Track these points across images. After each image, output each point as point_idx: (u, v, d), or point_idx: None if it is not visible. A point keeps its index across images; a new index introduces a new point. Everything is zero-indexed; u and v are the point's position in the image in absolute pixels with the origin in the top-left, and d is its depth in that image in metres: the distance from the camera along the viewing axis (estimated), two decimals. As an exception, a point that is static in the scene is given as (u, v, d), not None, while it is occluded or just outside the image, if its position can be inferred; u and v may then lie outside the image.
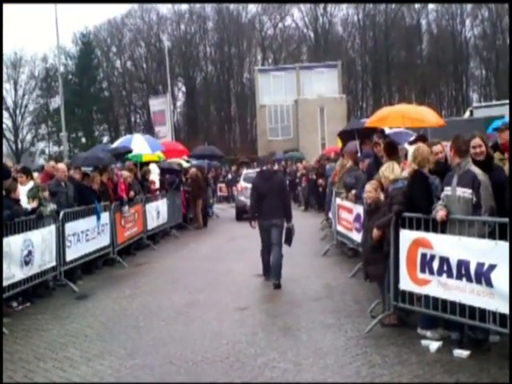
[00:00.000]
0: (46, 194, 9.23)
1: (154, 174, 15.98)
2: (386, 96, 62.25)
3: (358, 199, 10.00)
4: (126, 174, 13.24)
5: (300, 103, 45.44)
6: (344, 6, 61.97)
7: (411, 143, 8.98)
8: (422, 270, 6.04)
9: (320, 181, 20.02)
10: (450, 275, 5.70)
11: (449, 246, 5.74)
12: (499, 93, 50.91)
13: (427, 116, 10.33)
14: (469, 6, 60.26)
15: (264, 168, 10.53)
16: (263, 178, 9.80)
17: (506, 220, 5.20)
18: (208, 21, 64.59)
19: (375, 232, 6.66)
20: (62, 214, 9.44)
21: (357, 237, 9.99)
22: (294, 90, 47.64)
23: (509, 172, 6.01)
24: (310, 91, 46.61)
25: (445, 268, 5.76)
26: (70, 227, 9.79)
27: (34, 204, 8.70)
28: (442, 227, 5.85)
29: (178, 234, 16.46)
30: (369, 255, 6.99)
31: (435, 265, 5.87)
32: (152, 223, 14.65)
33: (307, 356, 5.87)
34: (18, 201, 8.35)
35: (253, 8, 63.42)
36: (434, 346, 5.85)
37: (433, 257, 5.91)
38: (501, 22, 56.93)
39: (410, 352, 5.82)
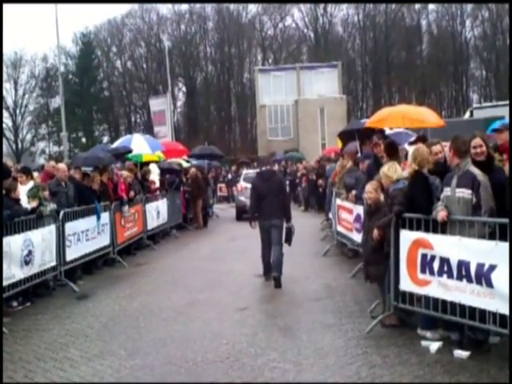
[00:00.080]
0: (46, 193, 9.23)
1: (154, 174, 15.98)
2: (386, 96, 62.26)
3: (358, 200, 10.01)
4: (125, 173, 13.24)
5: (300, 103, 45.45)
6: (344, 6, 62.08)
7: (411, 144, 8.98)
8: (423, 271, 6.04)
9: (320, 181, 20.03)
10: (450, 276, 5.70)
11: (449, 246, 5.74)
12: (499, 93, 50.91)
13: (427, 116, 10.33)
14: (469, 7, 60.30)
15: (263, 168, 10.61)
16: (262, 178, 9.87)
17: (506, 221, 5.20)
18: (208, 21, 64.62)
19: (375, 232, 6.66)
20: (62, 213, 9.43)
21: (357, 237, 10.00)
22: (294, 91, 47.64)
23: (509, 172, 6.01)
24: (310, 91, 46.63)
25: (445, 268, 5.76)
26: (70, 227, 9.79)
27: (34, 204, 8.69)
28: (442, 228, 5.85)
29: (178, 234, 16.46)
30: (369, 256, 6.99)
31: (435, 265, 5.87)
32: (152, 223, 14.65)
33: (307, 356, 5.87)
34: (18, 200, 8.35)
35: (253, 8, 63.56)
36: (434, 346, 5.85)
37: (433, 257, 5.91)
38: (501, 22, 56.93)
39: (410, 352, 5.82)
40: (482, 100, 57.18)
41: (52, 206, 9.16)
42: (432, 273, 5.92)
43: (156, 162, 16.75)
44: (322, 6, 62.68)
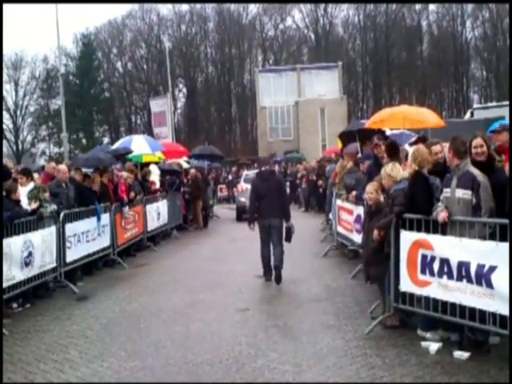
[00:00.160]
0: (47, 195, 9.23)
1: (155, 175, 15.98)
2: (386, 97, 62.25)
3: (358, 200, 10.01)
4: (126, 174, 13.23)
5: (300, 104, 45.43)
6: (344, 6, 62.07)
7: (412, 144, 8.97)
8: (423, 272, 6.03)
9: (320, 182, 20.03)
10: (450, 276, 5.70)
11: (449, 247, 5.74)
12: (500, 94, 50.86)
13: (428, 117, 10.35)
14: (469, 7, 60.30)
15: (263, 169, 10.69)
16: (262, 178, 9.99)
17: (507, 221, 5.20)
18: (209, 22, 64.63)
19: (375, 233, 6.65)
20: (62, 214, 9.43)
21: (357, 238, 9.99)
22: (294, 91, 47.64)
23: (509, 173, 6.00)
24: (311, 92, 46.61)
25: (445, 269, 5.76)
26: (71, 228, 9.79)
27: (34, 205, 8.69)
28: (442, 228, 5.85)
29: (178, 235, 16.45)
30: (370, 257, 6.98)
31: (436, 266, 5.87)
32: (152, 224, 14.65)
33: (307, 357, 5.87)
34: (18, 202, 8.35)
35: (253, 9, 63.58)
36: (434, 347, 5.85)
37: (433, 258, 5.91)
38: (501, 23, 56.93)
39: (410, 353, 5.82)
40: (482, 100, 57.18)
41: (52, 207, 9.16)
42: (432, 273, 5.91)
43: (156, 163, 16.76)
44: (322, 6, 62.71)
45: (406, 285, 6.22)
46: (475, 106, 32.86)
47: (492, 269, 5.26)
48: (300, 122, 44.96)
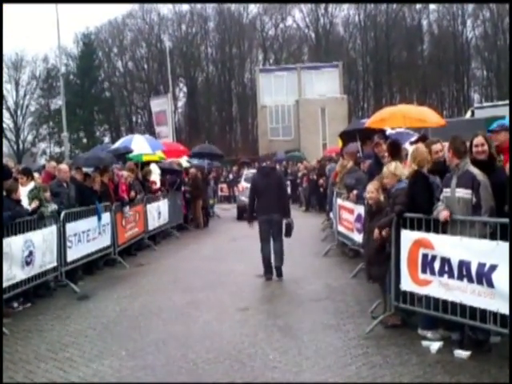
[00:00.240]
0: (47, 194, 9.23)
1: (155, 175, 15.98)
2: (387, 96, 62.23)
3: (359, 199, 10.01)
4: (126, 174, 13.23)
5: (301, 103, 45.44)
6: (345, 6, 62.07)
7: (412, 143, 8.97)
8: (423, 271, 6.03)
9: (321, 181, 20.02)
10: (451, 276, 5.70)
11: (450, 246, 5.73)
12: (500, 93, 50.83)
13: (428, 116, 10.34)
14: (470, 7, 60.26)
15: (263, 164, 10.75)
16: (262, 173, 10.10)
17: (507, 220, 5.19)
18: (209, 21, 64.65)
19: (376, 232, 6.65)
20: (62, 214, 9.43)
21: (358, 237, 10.00)
22: (295, 91, 47.65)
23: (509, 172, 6.00)
24: (311, 91, 46.62)
25: (446, 268, 5.75)
26: (71, 228, 9.79)
27: (34, 205, 8.69)
28: (443, 228, 5.85)
29: (178, 235, 16.46)
30: (371, 256, 6.97)
31: (436, 265, 5.87)
32: (153, 223, 14.65)
33: (308, 356, 5.87)
34: (19, 201, 8.35)
35: (254, 8, 63.59)
36: (434, 346, 5.85)
37: (434, 257, 5.90)
38: (502, 22, 56.89)
39: (410, 352, 5.82)
40: (483, 100, 57.15)
41: (53, 206, 9.16)
42: (433, 273, 5.91)
43: (157, 162, 16.76)
44: (322, 6, 62.70)
45: (407, 284, 6.22)
46: (476, 105, 32.83)
47: (493, 268, 5.26)
48: (300, 122, 44.97)
